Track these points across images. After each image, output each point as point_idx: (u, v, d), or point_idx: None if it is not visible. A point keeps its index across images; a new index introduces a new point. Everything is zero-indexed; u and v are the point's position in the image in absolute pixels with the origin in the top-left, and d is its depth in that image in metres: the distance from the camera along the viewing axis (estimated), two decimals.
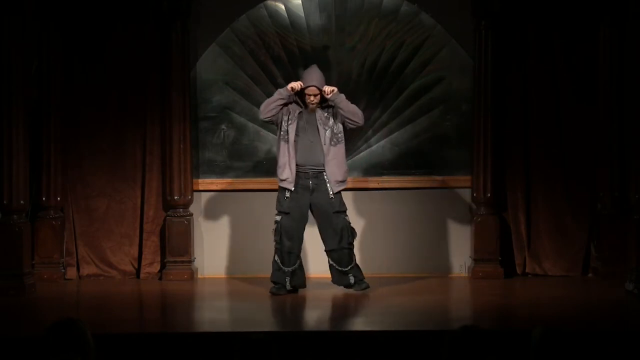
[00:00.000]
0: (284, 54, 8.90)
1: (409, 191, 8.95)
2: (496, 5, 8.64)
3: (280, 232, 7.92)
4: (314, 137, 7.92)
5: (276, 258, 7.95)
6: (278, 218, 7.95)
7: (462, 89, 8.92)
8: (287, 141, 7.90)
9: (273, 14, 8.88)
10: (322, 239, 8.00)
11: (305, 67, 8.83)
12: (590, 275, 8.80)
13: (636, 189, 7.93)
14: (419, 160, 8.97)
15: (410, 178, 8.96)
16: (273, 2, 8.89)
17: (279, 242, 7.94)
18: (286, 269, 7.92)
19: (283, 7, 8.88)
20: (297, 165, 7.91)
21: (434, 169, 8.97)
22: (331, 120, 7.97)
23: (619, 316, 7.17)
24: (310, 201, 7.94)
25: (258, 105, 8.89)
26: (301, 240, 7.99)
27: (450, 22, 8.87)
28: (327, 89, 7.95)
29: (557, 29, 8.78)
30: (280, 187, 7.98)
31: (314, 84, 7.92)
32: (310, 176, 7.92)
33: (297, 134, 7.92)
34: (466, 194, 8.90)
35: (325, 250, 8.02)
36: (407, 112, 8.96)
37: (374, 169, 8.96)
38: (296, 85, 7.95)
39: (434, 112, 8.96)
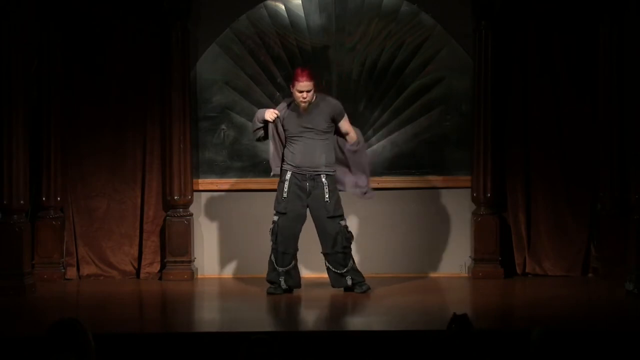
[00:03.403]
0: (284, 54, 8.90)
1: (409, 191, 8.95)
2: (496, 5, 8.65)
3: (276, 232, 7.91)
4: (312, 138, 7.88)
5: (272, 258, 7.95)
6: (275, 218, 7.93)
7: (462, 89, 8.92)
8: (275, 142, 7.89)
9: (273, 14, 8.88)
10: (320, 240, 7.99)
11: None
12: (590, 275, 8.79)
13: (636, 189, 7.93)
14: (419, 160, 8.96)
15: (410, 178, 8.95)
16: (273, 2, 8.89)
17: (274, 242, 7.92)
18: (280, 269, 7.91)
19: (283, 7, 8.88)
20: (294, 166, 7.88)
21: (434, 169, 8.96)
22: (327, 124, 7.90)
23: (619, 316, 7.17)
24: (307, 203, 7.93)
25: (258, 105, 8.90)
26: (296, 240, 7.96)
27: (450, 22, 8.86)
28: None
29: (557, 29, 8.78)
30: (278, 187, 7.97)
31: (304, 79, 7.76)
32: (307, 178, 7.88)
33: (294, 135, 7.88)
34: (466, 194, 8.90)
35: (322, 252, 8.01)
36: (407, 112, 8.96)
37: (374, 169, 8.94)
38: (271, 115, 7.80)
39: (434, 112, 8.96)
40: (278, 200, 7.94)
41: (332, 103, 7.96)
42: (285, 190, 7.89)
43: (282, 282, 7.93)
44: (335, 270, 7.94)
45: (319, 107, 7.88)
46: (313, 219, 7.96)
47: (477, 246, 8.74)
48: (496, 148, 8.77)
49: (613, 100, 8.61)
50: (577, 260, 8.83)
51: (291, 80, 7.89)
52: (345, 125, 7.97)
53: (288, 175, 7.89)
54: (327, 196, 7.87)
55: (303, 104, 7.80)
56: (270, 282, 7.98)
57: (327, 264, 7.98)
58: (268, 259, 7.98)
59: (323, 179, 7.88)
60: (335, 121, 7.92)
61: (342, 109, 7.99)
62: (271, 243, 7.96)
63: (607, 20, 8.59)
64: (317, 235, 7.99)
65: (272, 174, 8.08)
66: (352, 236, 8.02)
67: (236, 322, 7.19)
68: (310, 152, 7.86)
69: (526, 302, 7.90)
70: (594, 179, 8.77)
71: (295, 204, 7.89)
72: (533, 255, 8.84)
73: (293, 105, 7.90)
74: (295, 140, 7.87)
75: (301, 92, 7.76)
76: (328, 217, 7.87)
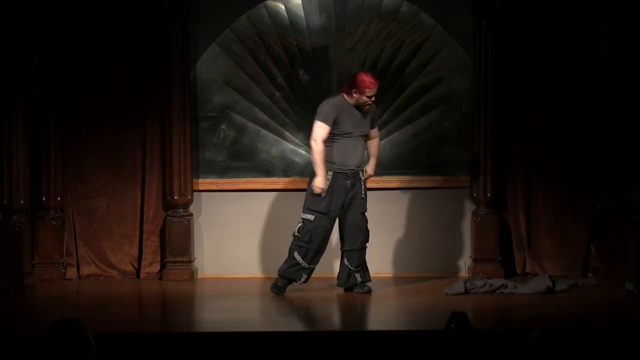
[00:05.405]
0: (284, 54, 8.90)
1: (409, 191, 8.95)
2: (496, 5, 8.66)
3: (311, 231, 7.82)
4: (357, 139, 7.89)
5: (297, 255, 7.86)
6: (311, 217, 7.81)
7: (462, 89, 8.92)
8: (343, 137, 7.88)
9: (273, 14, 8.89)
10: (345, 237, 7.97)
11: (306, 67, 8.87)
12: (590, 275, 8.79)
13: (636, 189, 7.94)
14: (419, 160, 8.96)
15: (410, 178, 8.96)
16: (273, 2, 8.90)
17: (307, 242, 7.83)
18: (309, 266, 7.87)
19: (283, 7, 8.88)
20: (338, 165, 7.84)
21: (434, 169, 8.96)
22: (370, 127, 8.02)
23: (619, 316, 7.17)
24: (344, 200, 7.90)
25: (258, 105, 8.92)
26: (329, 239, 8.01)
27: (450, 22, 8.87)
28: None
29: (557, 29, 8.79)
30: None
31: (375, 84, 7.78)
32: (348, 176, 7.88)
33: (343, 133, 7.84)
34: (466, 194, 8.90)
35: (343, 250, 7.99)
36: (407, 112, 8.96)
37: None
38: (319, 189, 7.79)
39: (434, 112, 8.96)
40: (315, 200, 7.85)
41: (374, 108, 8.05)
42: (327, 189, 7.86)
43: (303, 279, 7.91)
44: (352, 268, 7.93)
45: (369, 112, 7.96)
46: (345, 215, 7.94)
47: (477, 246, 8.74)
48: (496, 148, 8.78)
49: (613, 100, 8.61)
50: (577, 260, 8.83)
51: (355, 85, 7.77)
52: (375, 131, 8.13)
53: (330, 175, 7.85)
54: (363, 192, 7.94)
55: (368, 106, 7.86)
56: (286, 277, 7.91)
57: (346, 262, 7.96)
58: (291, 255, 7.87)
59: (361, 176, 7.94)
60: (372, 125, 8.05)
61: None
62: (299, 242, 7.85)
63: (607, 20, 8.60)
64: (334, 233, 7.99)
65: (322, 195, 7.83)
66: (369, 233, 8.06)
67: (236, 322, 7.18)
68: (354, 151, 7.88)
69: (526, 302, 7.90)
70: (594, 179, 8.77)
71: (337, 203, 7.86)
72: (533, 255, 8.84)
73: (345, 104, 7.86)
74: (341, 137, 7.84)
75: (370, 96, 7.81)
76: (361, 212, 7.94)
